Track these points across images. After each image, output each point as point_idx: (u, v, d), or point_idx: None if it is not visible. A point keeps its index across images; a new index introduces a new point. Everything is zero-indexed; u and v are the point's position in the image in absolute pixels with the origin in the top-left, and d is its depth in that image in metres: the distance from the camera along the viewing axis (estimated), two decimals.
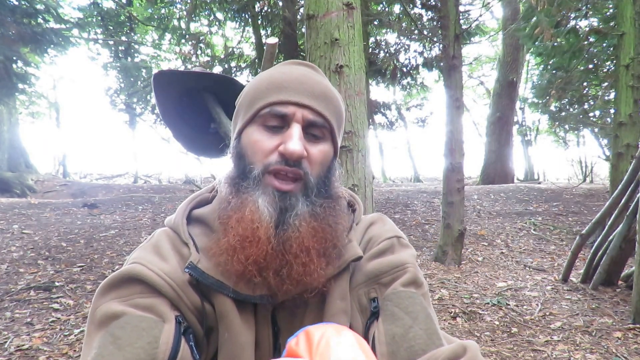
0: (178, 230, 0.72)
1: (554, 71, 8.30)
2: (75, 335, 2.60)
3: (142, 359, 0.54)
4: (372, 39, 9.29)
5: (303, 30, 5.44)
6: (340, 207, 0.72)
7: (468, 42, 8.42)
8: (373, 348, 0.62)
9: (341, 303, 0.67)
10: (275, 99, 0.68)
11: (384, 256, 0.71)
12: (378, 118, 11.76)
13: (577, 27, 6.67)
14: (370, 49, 9.13)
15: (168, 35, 9.98)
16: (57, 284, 3.35)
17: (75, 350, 2.43)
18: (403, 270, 0.69)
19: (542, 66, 9.47)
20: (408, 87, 10.68)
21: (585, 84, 8.57)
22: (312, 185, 0.67)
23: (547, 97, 8.53)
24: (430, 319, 0.64)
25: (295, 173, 0.66)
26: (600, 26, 6.51)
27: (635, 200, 3.14)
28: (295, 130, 0.66)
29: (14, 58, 7.09)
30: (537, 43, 6.91)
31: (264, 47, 2.27)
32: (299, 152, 0.64)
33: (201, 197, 0.78)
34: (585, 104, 9.05)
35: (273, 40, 2.11)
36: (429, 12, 8.27)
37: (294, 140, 0.65)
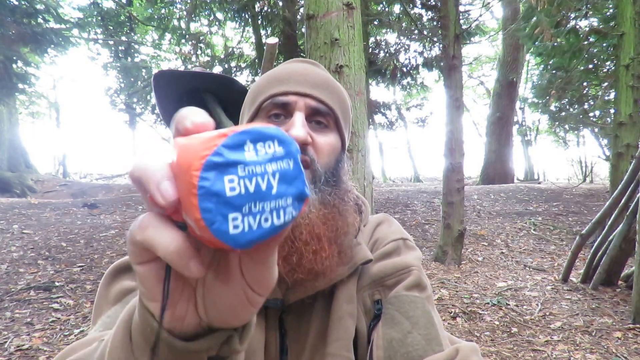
0: None
1: (554, 71, 8.30)
2: (75, 335, 2.60)
3: None
4: (372, 39, 9.29)
5: (303, 30, 5.44)
6: (350, 198, 0.71)
7: (468, 42, 8.42)
8: (371, 352, 0.62)
9: (348, 306, 0.66)
10: (276, 90, 0.68)
11: (389, 258, 0.71)
12: (378, 118, 11.76)
13: (577, 27, 6.67)
14: (370, 49, 9.13)
15: (168, 35, 9.99)
16: (57, 284, 3.35)
17: None
18: (407, 273, 0.68)
19: (542, 66, 9.47)
20: (408, 87, 10.69)
21: (585, 84, 8.57)
22: (319, 174, 0.66)
23: (547, 97, 8.54)
24: (431, 323, 0.64)
25: (301, 160, 0.65)
26: (600, 26, 6.51)
27: (635, 200, 3.14)
28: (298, 117, 0.65)
29: (14, 58, 7.09)
30: (537, 43, 6.92)
31: (264, 47, 2.27)
32: (302, 137, 0.63)
33: None
34: (585, 104, 9.05)
35: (273, 40, 2.11)
36: (429, 12, 8.28)
37: (297, 126, 0.64)
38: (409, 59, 9.38)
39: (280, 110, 0.67)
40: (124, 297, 0.59)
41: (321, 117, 0.68)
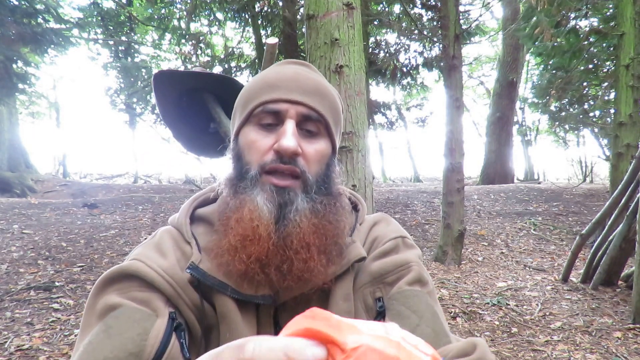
0: (181, 229, 0.72)
1: (554, 71, 8.30)
2: (75, 335, 2.60)
3: (129, 349, 0.54)
4: (372, 39, 9.29)
5: (303, 30, 5.44)
6: (342, 205, 0.72)
7: (468, 42, 8.42)
8: None
9: (344, 304, 0.67)
10: (267, 97, 0.68)
11: (389, 256, 0.71)
12: (378, 118, 11.76)
13: (577, 27, 6.67)
14: (370, 49, 9.13)
15: (168, 35, 9.98)
16: (57, 284, 3.35)
17: None
18: (407, 269, 0.69)
19: (542, 66, 9.47)
20: (408, 87, 10.69)
21: (585, 84, 8.57)
22: (310, 183, 0.67)
23: (547, 97, 8.54)
24: (436, 317, 0.64)
25: (291, 171, 0.65)
26: (600, 26, 6.51)
27: (635, 200, 3.14)
28: (289, 126, 0.66)
29: (14, 58, 7.09)
30: (537, 43, 6.92)
31: (264, 47, 2.28)
32: (293, 148, 0.64)
33: (204, 196, 0.78)
34: (585, 104, 9.05)
35: (273, 40, 2.11)
36: (429, 12, 8.28)
37: (287, 137, 0.64)
38: (409, 59, 9.37)
39: (271, 120, 0.68)
40: (107, 314, 0.58)
41: (312, 124, 0.69)
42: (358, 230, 0.76)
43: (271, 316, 0.68)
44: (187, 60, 9.39)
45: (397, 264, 0.69)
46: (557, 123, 10.33)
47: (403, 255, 0.71)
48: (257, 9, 8.52)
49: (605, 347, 2.46)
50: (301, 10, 7.74)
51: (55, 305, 3.00)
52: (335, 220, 0.68)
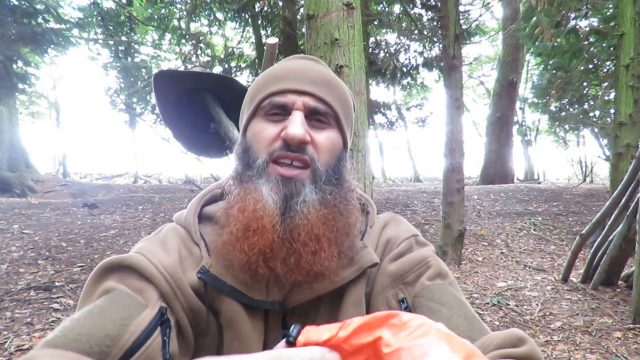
0: (189, 228, 0.70)
1: (554, 71, 8.30)
2: None
3: (107, 330, 0.52)
4: (372, 39, 9.29)
5: (303, 30, 5.44)
6: (353, 198, 0.70)
7: (468, 42, 8.42)
8: None
9: (355, 310, 0.65)
10: (274, 89, 0.67)
11: (405, 256, 0.71)
12: (378, 118, 11.76)
13: (577, 27, 6.67)
14: (370, 49, 9.13)
15: (168, 35, 9.98)
16: (57, 284, 3.35)
17: None
18: (426, 266, 0.68)
19: (542, 66, 9.47)
20: (408, 87, 10.69)
21: (585, 84, 8.57)
22: (320, 173, 0.65)
23: (547, 97, 8.54)
24: (464, 305, 0.63)
25: (300, 159, 0.64)
26: (600, 26, 6.51)
27: (635, 200, 3.14)
28: (296, 116, 0.64)
29: (14, 58, 7.09)
30: (537, 43, 6.92)
31: (264, 47, 2.28)
32: (300, 135, 0.62)
33: (212, 193, 0.76)
34: (585, 104, 9.05)
35: (273, 40, 2.11)
36: (429, 12, 8.27)
37: (295, 124, 0.63)
38: (409, 59, 9.37)
39: (278, 110, 0.66)
40: (100, 297, 0.58)
41: (320, 115, 0.67)
42: (369, 234, 0.74)
43: (279, 322, 0.66)
44: (187, 60, 9.39)
45: (414, 262, 0.68)
46: (557, 123, 10.32)
47: (418, 252, 0.70)
48: (257, 9, 8.52)
49: (605, 347, 2.46)
50: (301, 10, 7.74)
51: (55, 305, 3.00)
52: (346, 211, 0.66)
